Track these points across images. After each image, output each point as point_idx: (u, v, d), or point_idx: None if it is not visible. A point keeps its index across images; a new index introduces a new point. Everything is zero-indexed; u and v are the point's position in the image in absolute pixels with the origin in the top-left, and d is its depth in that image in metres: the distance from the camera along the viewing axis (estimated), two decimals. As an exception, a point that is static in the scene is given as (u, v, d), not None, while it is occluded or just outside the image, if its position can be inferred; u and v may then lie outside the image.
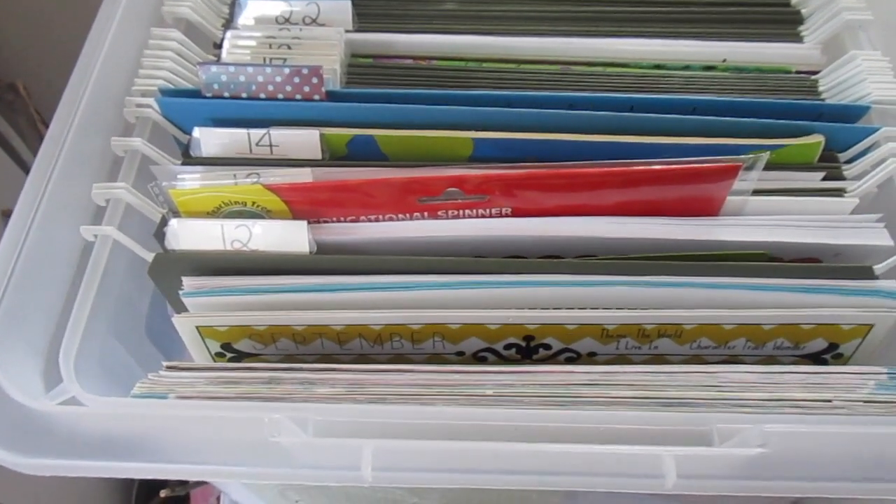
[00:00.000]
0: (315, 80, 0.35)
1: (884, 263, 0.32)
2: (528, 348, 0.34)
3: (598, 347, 0.34)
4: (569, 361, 0.34)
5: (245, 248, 0.33)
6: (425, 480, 0.26)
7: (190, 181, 0.33)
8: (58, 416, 0.28)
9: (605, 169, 0.32)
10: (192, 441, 0.28)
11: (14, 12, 0.71)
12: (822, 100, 0.38)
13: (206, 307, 0.33)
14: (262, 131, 0.35)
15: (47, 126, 0.36)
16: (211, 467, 0.27)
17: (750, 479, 0.27)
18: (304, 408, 0.28)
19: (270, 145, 0.35)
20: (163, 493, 0.59)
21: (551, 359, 0.34)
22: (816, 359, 0.34)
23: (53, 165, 0.34)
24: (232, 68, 0.35)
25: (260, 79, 0.35)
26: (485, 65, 0.40)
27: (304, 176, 0.33)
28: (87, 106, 0.36)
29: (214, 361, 0.35)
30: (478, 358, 0.34)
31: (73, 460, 0.27)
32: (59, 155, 0.35)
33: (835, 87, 0.38)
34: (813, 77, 0.39)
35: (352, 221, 0.34)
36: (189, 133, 0.36)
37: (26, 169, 0.71)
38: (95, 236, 0.34)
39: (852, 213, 0.34)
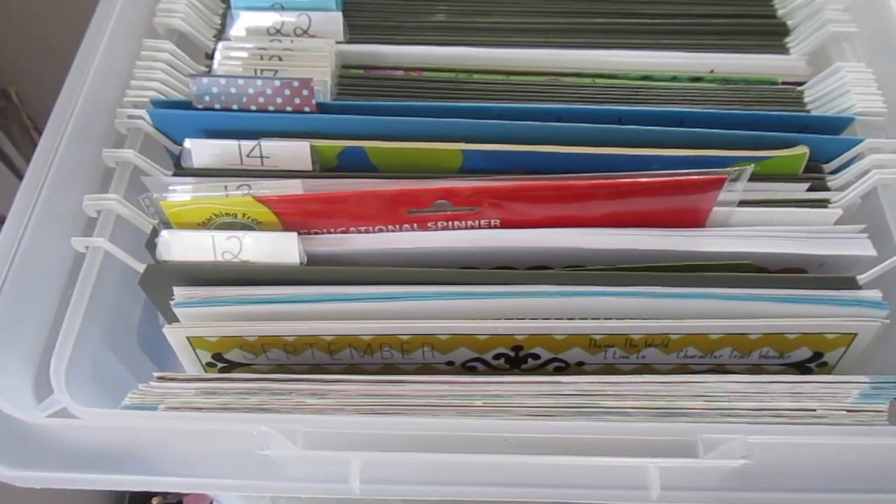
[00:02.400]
0: (305, 93, 0.35)
1: (867, 273, 0.33)
2: (516, 358, 0.34)
3: (586, 357, 0.34)
4: (557, 371, 0.35)
5: (236, 260, 0.33)
6: (413, 493, 0.26)
7: (181, 193, 0.34)
8: (48, 429, 0.29)
9: (594, 181, 0.32)
10: (182, 453, 0.28)
11: (7, 18, 0.71)
12: (808, 111, 0.39)
13: (197, 317, 0.33)
14: (252, 143, 0.35)
15: (40, 132, 0.36)
16: (200, 480, 0.27)
17: (734, 490, 0.27)
18: (294, 419, 0.29)
19: (261, 157, 0.35)
20: (155, 501, 0.59)
21: (540, 368, 0.34)
22: (801, 367, 0.35)
23: (45, 176, 0.35)
24: (223, 80, 0.35)
25: (251, 91, 0.35)
26: (475, 76, 0.40)
27: (295, 188, 0.34)
28: (78, 117, 0.37)
29: (205, 371, 0.35)
30: (467, 368, 0.34)
31: (64, 473, 0.28)
32: (50, 166, 0.35)
33: (820, 98, 0.39)
34: (799, 88, 0.40)
35: (342, 233, 0.34)
36: (180, 144, 0.36)
37: (18, 174, 0.71)
38: (87, 248, 0.34)
39: (836, 223, 0.34)
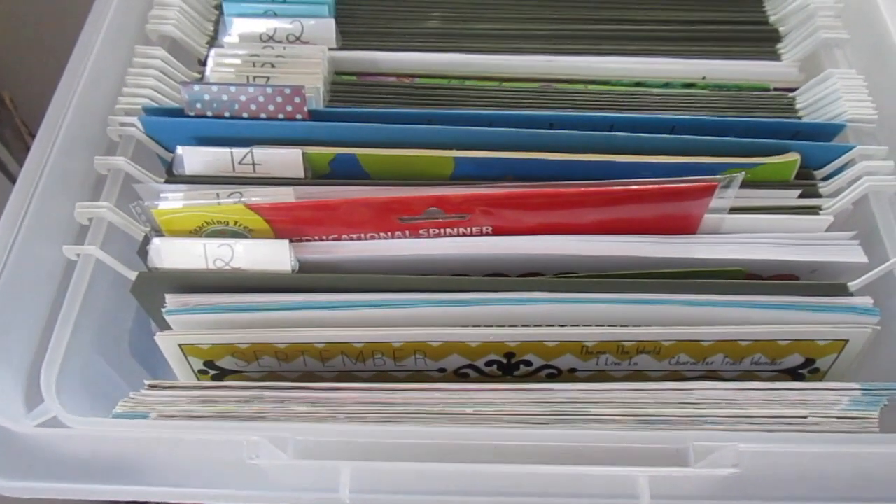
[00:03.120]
0: (297, 100, 0.35)
1: (858, 280, 0.33)
2: (508, 365, 0.34)
3: (578, 364, 0.34)
4: (549, 378, 0.35)
5: (227, 267, 0.33)
6: (403, 502, 0.26)
7: (173, 200, 0.34)
8: (38, 438, 0.28)
9: (585, 188, 0.33)
10: (172, 463, 0.28)
11: (0, 23, 0.71)
12: (799, 117, 0.39)
13: (189, 325, 0.33)
14: (245, 150, 0.35)
15: (34, 137, 0.36)
16: (191, 490, 0.27)
17: (725, 498, 0.27)
18: (284, 428, 0.29)
19: (253, 164, 0.35)
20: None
21: (532, 375, 0.34)
22: (793, 374, 0.35)
23: (36, 184, 0.34)
24: (215, 88, 0.35)
25: (243, 98, 0.35)
26: (467, 83, 0.40)
27: (287, 195, 0.34)
28: (70, 124, 0.37)
29: (197, 379, 0.35)
30: (459, 374, 0.34)
31: (54, 483, 0.28)
32: (41, 173, 0.35)
33: (811, 104, 0.39)
34: (790, 94, 0.40)
35: (334, 240, 0.34)
36: (172, 151, 0.36)
37: (12, 179, 0.71)
38: (78, 255, 0.34)
39: (828, 230, 0.35)
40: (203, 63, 0.39)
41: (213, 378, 0.35)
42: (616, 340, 0.33)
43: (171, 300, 0.33)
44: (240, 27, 0.40)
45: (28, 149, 0.36)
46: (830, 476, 0.27)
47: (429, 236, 0.34)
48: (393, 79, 0.40)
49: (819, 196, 0.36)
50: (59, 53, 0.41)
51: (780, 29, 0.42)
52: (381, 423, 0.30)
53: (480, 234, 0.34)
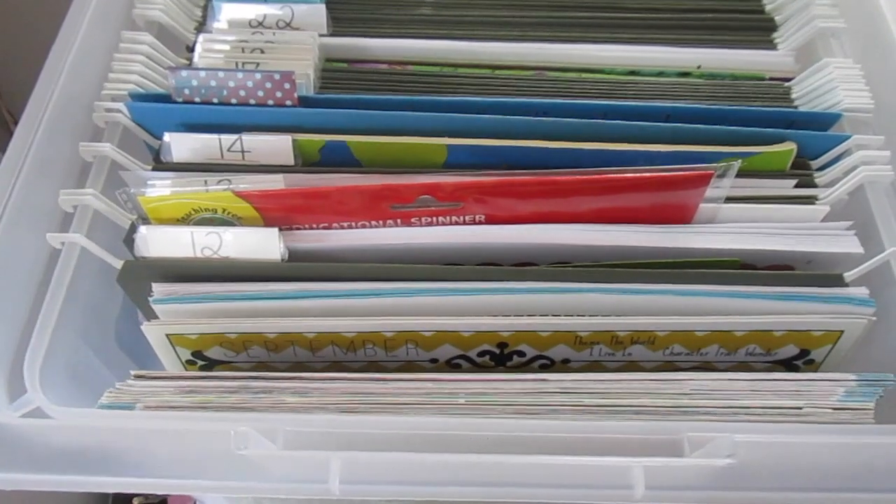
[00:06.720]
0: (287, 86, 0.34)
1: (854, 271, 0.33)
2: (501, 355, 0.34)
3: (572, 354, 0.34)
4: (542, 368, 0.34)
5: (215, 256, 0.32)
6: (394, 493, 0.26)
7: (160, 188, 0.33)
8: (22, 429, 0.28)
9: (579, 176, 0.32)
10: (159, 454, 0.27)
11: (-15, 11, 0.70)
12: (795, 107, 0.38)
13: (176, 314, 0.32)
14: (233, 137, 0.34)
15: (19, 127, 0.36)
16: (177, 481, 0.27)
17: (720, 489, 0.27)
18: (274, 419, 0.28)
19: (242, 151, 0.35)
20: (136, 501, 0.58)
21: (525, 366, 0.34)
22: (788, 365, 0.34)
23: (19, 171, 0.34)
24: (203, 73, 0.34)
25: (231, 84, 0.35)
26: (459, 70, 0.39)
27: (276, 182, 0.33)
28: (54, 110, 0.36)
29: (185, 369, 0.34)
30: (451, 365, 0.34)
31: (38, 474, 0.27)
32: (25, 160, 0.34)
33: (807, 94, 0.38)
34: (786, 84, 0.40)
35: (324, 228, 0.34)
36: (160, 138, 0.35)
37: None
38: (62, 243, 0.33)
39: (823, 220, 0.34)
40: (191, 49, 0.39)
41: (201, 369, 0.34)
42: (610, 330, 0.32)
43: (159, 289, 0.32)
44: (228, 13, 0.39)
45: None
46: (826, 467, 0.27)
47: (421, 225, 0.33)
48: (384, 66, 0.40)
49: (815, 186, 0.36)
50: (45, 41, 0.40)
51: (776, 18, 0.42)
52: (372, 414, 0.29)
53: (473, 222, 0.34)
